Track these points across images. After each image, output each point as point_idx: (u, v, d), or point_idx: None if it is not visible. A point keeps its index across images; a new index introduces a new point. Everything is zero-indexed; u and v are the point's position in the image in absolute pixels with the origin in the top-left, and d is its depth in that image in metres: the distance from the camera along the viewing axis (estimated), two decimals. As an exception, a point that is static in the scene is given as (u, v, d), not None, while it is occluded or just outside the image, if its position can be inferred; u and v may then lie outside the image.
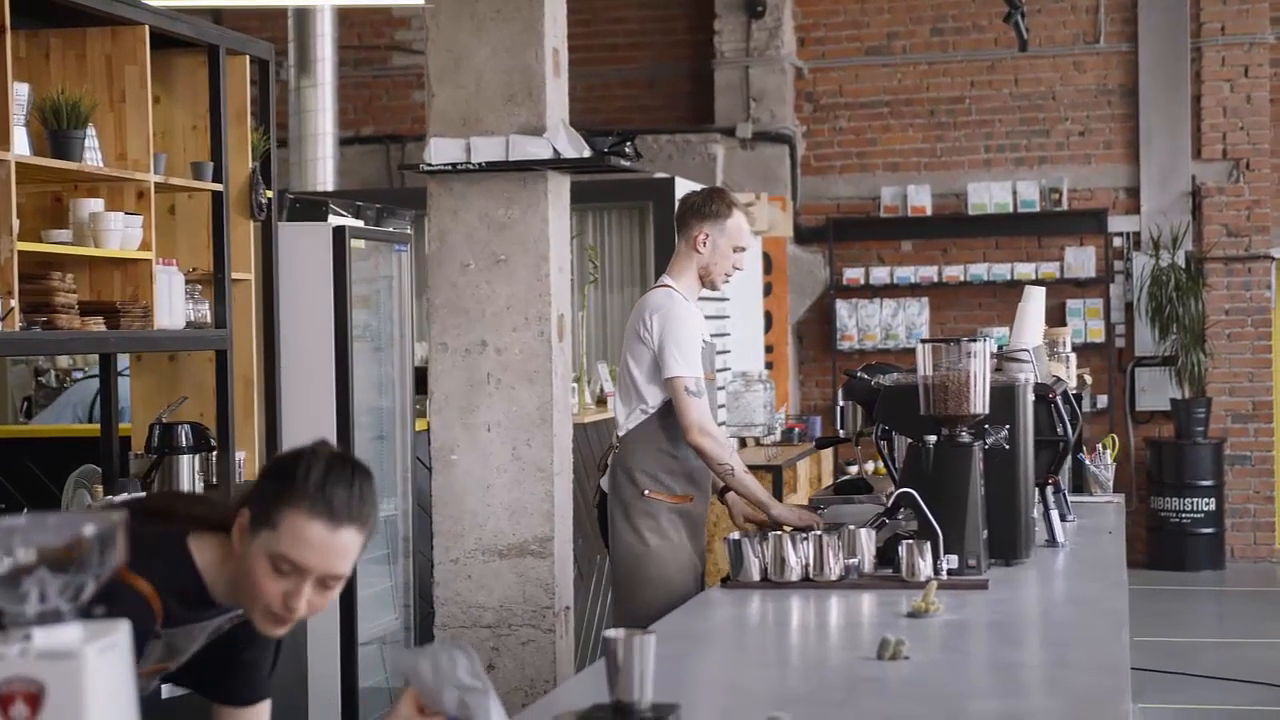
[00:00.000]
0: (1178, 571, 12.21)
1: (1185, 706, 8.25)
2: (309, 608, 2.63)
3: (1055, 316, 12.48)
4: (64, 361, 8.45)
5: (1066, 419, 5.05)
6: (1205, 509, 12.31)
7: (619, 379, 5.38)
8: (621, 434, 5.30)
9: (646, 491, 5.21)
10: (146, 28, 5.17)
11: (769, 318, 12.48)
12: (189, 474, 5.44)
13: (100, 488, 5.48)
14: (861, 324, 13.02)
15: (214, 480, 5.62)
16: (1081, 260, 12.72)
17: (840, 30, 13.22)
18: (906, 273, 12.94)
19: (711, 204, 5.33)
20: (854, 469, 11.48)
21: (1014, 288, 12.64)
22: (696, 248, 5.30)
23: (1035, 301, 5.59)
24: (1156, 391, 12.67)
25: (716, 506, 5.62)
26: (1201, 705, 8.26)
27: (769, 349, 12.42)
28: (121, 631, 1.77)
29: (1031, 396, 4.72)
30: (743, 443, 10.28)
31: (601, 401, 8.45)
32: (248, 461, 5.88)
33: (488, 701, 2.48)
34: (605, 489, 5.39)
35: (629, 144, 6.07)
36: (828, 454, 11.53)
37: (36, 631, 1.74)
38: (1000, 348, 5.34)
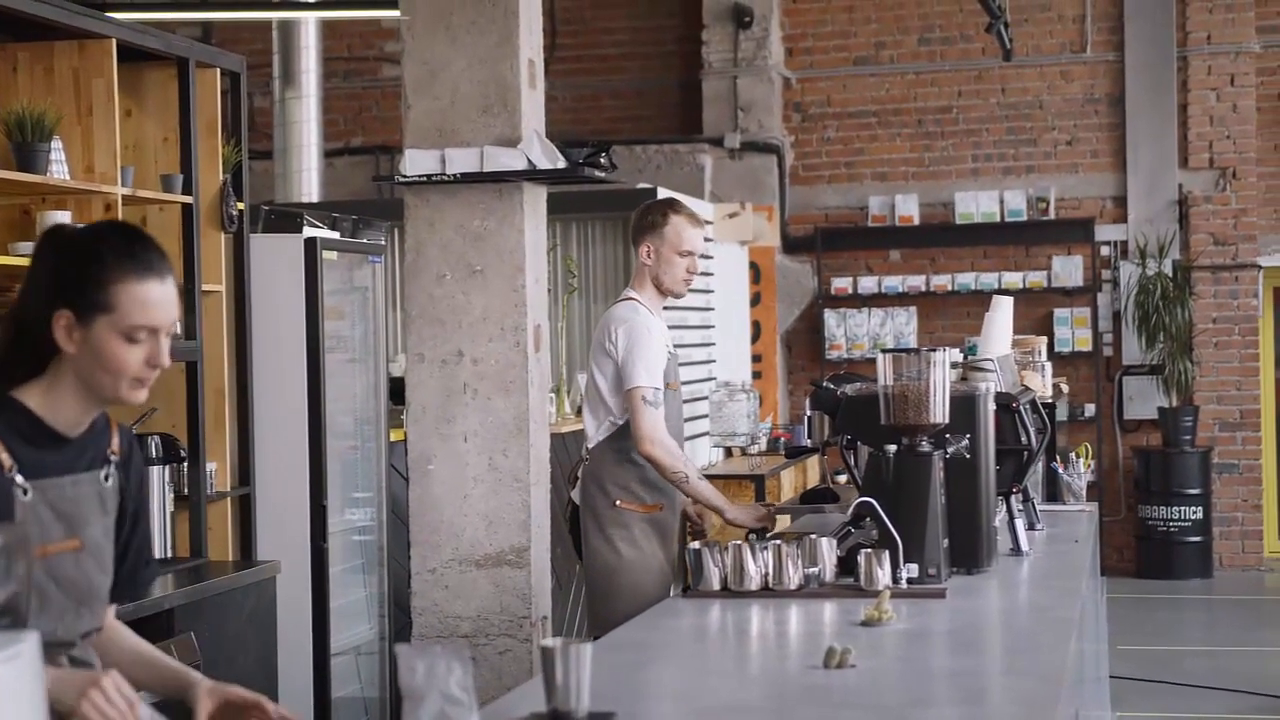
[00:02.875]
0: (1165, 580, 12.21)
1: (1171, 715, 8.26)
2: (166, 360, 2.75)
3: (1042, 325, 12.50)
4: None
5: (1031, 428, 5.06)
6: (1193, 517, 12.32)
7: (586, 391, 5.44)
8: (590, 445, 5.37)
9: (618, 502, 5.27)
10: (114, 41, 5.19)
11: (757, 327, 12.50)
12: (159, 485, 5.45)
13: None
14: (850, 333, 13.04)
15: (185, 491, 5.63)
16: (1069, 269, 12.73)
17: (828, 40, 13.25)
18: (894, 282, 12.96)
19: (647, 215, 5.43)
20: (842, 478, 11.48)
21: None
22: (644, 259, 5.40)
23: (1002, 311, 5.61)
24: (1144, 400, 12.68)
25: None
26: (1188, 714, 8.27)
27: (757, 358, 12.44)
28: (28, 642, 1.79)
29: (993, 406, 4.73)
30: (728, 452, 10.29)
31: (580, 411, 8.47)
32: (219, 473, 5.90)
33: (470, 717, 2.49)
34: (576, 501, 5.43)
35: (604, 155, 6.09)
36: (814, 463, 11.53)
37: (-61, 642, 1.75)
38: (967, 357, 5.36)
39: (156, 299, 2.71)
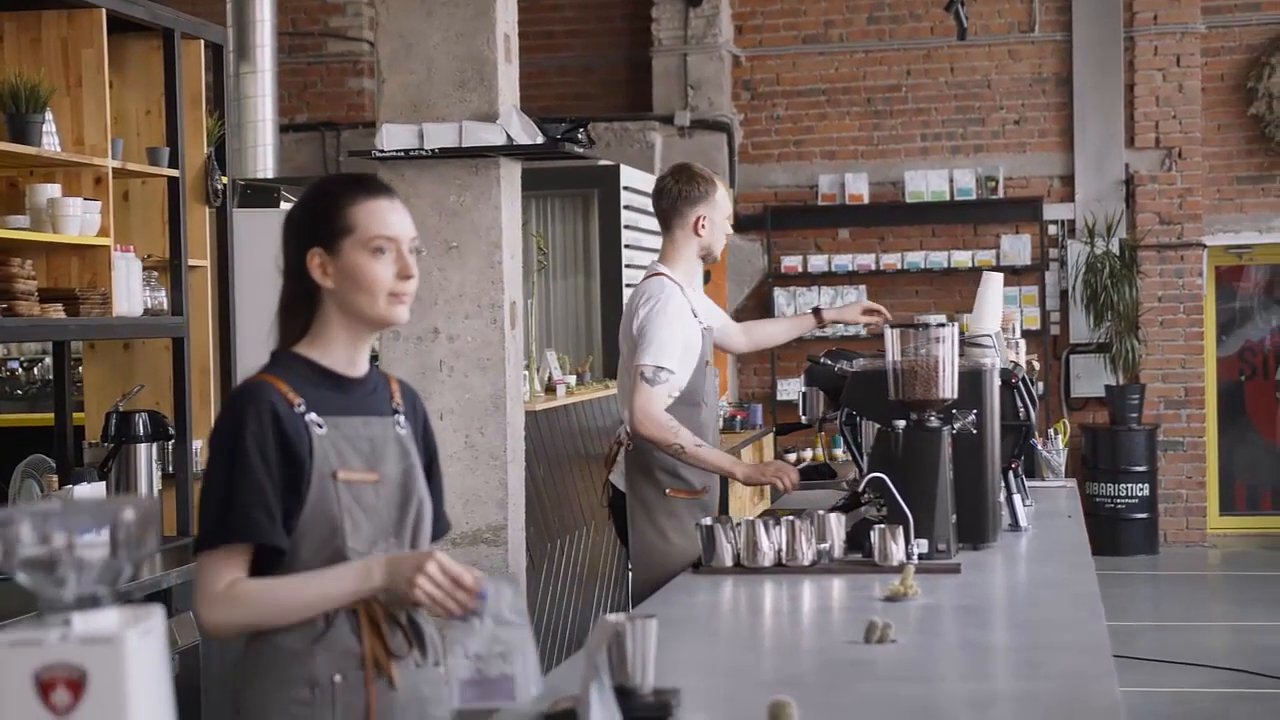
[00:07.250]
0: (1112, 556, 12.32)
1: (1121, 689, 8.31)
2: (415, 272, 2.88)
3: (991, 304, 12.56)
4: (32, 348, 8.41)
5: (1029, 403, 5.08)
6: (1139, 494, 12.44)
7: (621, 374, 5.26)
8: (630, 431, 5.14)
9: (668, 491, 5.12)
10: (103, 11, 5.09)
11: (707, 305, 12.48)
12: (146, 463, 5.36)
13: (54, 478, 5.40)
14: (799, 311, 13.06)
15: (171, 469, 5.55)
16: (1017, 248, 12.81)
17: (777, 18, 13.25)
18: (844, 260, 13.00)
19: (698, 185, 5.26)
20: (792, 456, 11.52)
21: (950, 275, 12.74)
22: (697, 232, 5.24)
23: (994, 287, 5.63)
24: (1091, 378, 12.80)
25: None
26: (1138, 688, 8.34)
27: (707, 337, 12.43)
28: (157, 617, 1.75)
29: (998, 381, 4.75)
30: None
31: (550, 389, 8.43)
32: (204, 450, 5.82)
33: (525, 639, 2.47)
34: (621, 487, 5.23)
35: (582, 131, 6.06)
36: (768, 441, 11.57)
37: (75, 617, 1.71)
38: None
39: (388, 212, 2.87)
